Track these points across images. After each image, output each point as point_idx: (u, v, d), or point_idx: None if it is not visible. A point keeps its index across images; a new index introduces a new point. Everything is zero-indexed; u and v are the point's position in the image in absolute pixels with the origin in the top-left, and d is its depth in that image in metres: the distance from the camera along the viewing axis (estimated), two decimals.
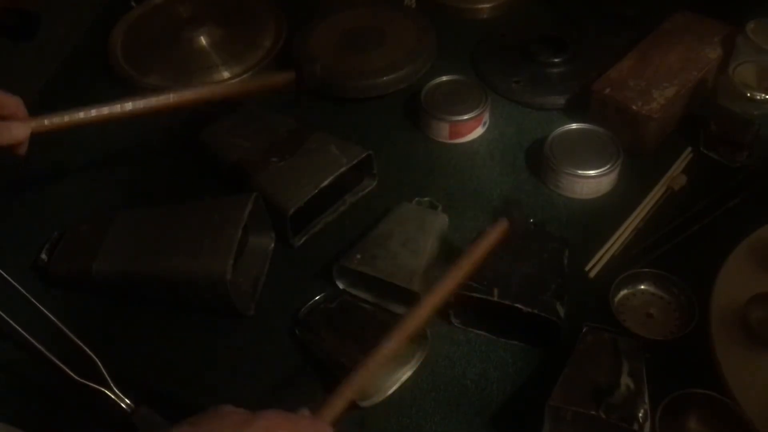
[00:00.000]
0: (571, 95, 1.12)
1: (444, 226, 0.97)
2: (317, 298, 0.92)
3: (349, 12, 1.25)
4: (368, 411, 0.83)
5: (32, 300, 0.86)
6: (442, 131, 1.09)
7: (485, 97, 1.09)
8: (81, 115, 0.86)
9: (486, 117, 1.10)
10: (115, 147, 1.13)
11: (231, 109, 1.10)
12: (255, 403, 0.84)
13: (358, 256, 0.91)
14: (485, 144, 1.10)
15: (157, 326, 0.92)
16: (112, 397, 0.81)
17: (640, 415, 0.73)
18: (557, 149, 1.02)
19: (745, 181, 0.99)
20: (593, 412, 0.73)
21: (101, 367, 0.82)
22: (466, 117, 1.07)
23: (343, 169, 0.97)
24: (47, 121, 0.84)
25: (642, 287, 0.91)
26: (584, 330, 0.84)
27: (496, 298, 0.85)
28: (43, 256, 0.96)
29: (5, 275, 0.88)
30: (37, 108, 0.86)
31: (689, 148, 1.05)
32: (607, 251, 0.95)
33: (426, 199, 1.00)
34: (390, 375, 0.85)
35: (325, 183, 0.96)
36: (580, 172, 0.99)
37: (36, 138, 0.84)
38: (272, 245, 0.98)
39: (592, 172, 0.99)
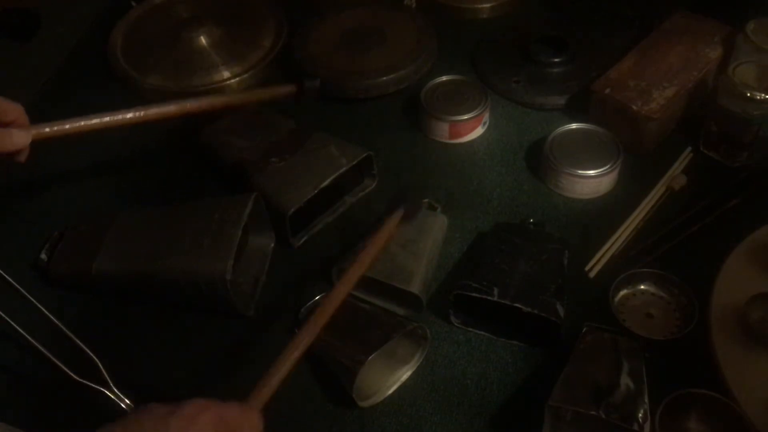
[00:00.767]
0: (571, 95, 1.12)
1: (443, 227, 0.97)
2: (317, 298, 0.92)
3: (349, 12, 1.25)
4: (368, 411, 0.83)
5: (32, 300, 0.86)
6: (442, 131, 1.09)
7: (485, 97, 1.09)
8: (82, 123, 0.86)
9: (486, 117, 1.10)
10: (116, 147, 1.13)
11: (231, 109, 1.10)
12: None
13: None
14: (485, 144, 1.10)
15: (157, 326, 0.93)
16: (112, 397, 0.81)
17: (640, 415, 0.73)
18: (557, 149, 1.02)
19: (745, 181, 0.99)
20: (593, 412, 0.73)
21: (101, 367, 0.82)
22: (466, 117, 1.07)
23: (343, 170, 0.97)
24: (48, 129, 0.84)
25: (642, 287, 0.91)
26: (584, 330, 0.84)
27: (495, 298, 0.85)
28: (43, 256, 0.96)
29: (5, 275, 0.88)
30: (37, 108, 0.86)
31: (689, 148, 1.05)
32: (607, 251, 0.95)
33: (425, 200, 1.00)
34: (390, 375, 0.85)
35: (325, 183, 0.96)
36: (580, 172, 0.99)
37: (36, 141, 0.84)
38: (272, 245, 0.98)
39: (592, 172, 0.99)
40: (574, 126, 1.04)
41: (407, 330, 0.84)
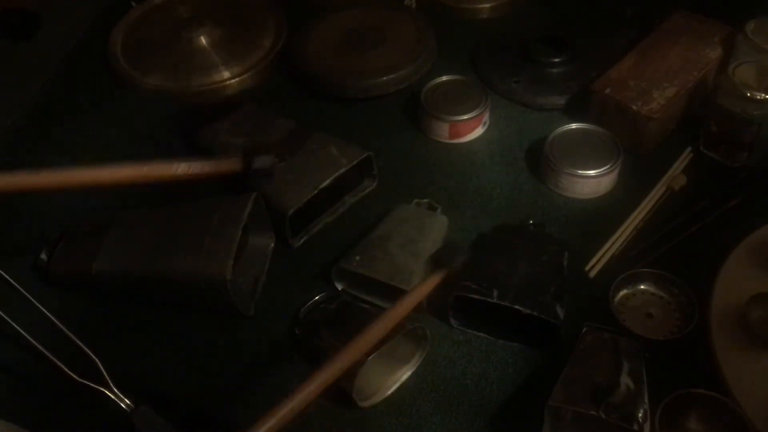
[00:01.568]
0: (571, 95, 1.12)
1: (443, 227, 0.97)
2: (317, 298, 0.92)
3: (349, 12, 1.25)
4: (368, 411, 0.83)
5: (32, 300, 0.86)
6: (442, 131, 1.09)
7: (485, 97, 1.09)
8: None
9: (486, 117, 1.10)
10: (115, 147, 1.13)
11: (231, 109, 1.10)
12: (254, 403, 0.85)
13: (357, 258, 0.91)
14: (485, 144, 1.10)
15: (157, 326, 0.93)
16: (112, 397, 0.81)
17: (640, 415, 0.73)
18: (557, 149, 1.02)
19: (745, 181, 0.99)
20: (593, 412, 0.73)
21: (101, 367, 0.82)
22: (466, 117, 1.07)
23: (343, 170, 0.97)
24: None
25: (642, 287, 0.91)
26: (584, 330, 0.84)
27: (495, 300, 0.85)
28: (43, 256, 0.96)
29: (5, 275, 0.88)
30: (37, 108, 0.86)
31: (689, 148, 1.05)
32: (607, 251, 0.95)
33: (425, 200, 1.00)
34: (390, 375, 0.85)
35: (325, 184, 0.96)
36: (580, 172, 0.99)
37: (36, 139, 0.84)
38: (272, 245, 0.98)
39: (592, 172, 0.99)
40: (574, 126, 1.04)
41: (407, 330, 0.84)
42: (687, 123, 1.07)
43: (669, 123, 1.06)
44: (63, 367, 0.82)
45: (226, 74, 1.21)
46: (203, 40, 1.25)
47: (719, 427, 0.77)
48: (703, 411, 0.78)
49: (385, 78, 1.14)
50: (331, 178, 0.96)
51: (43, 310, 0.85)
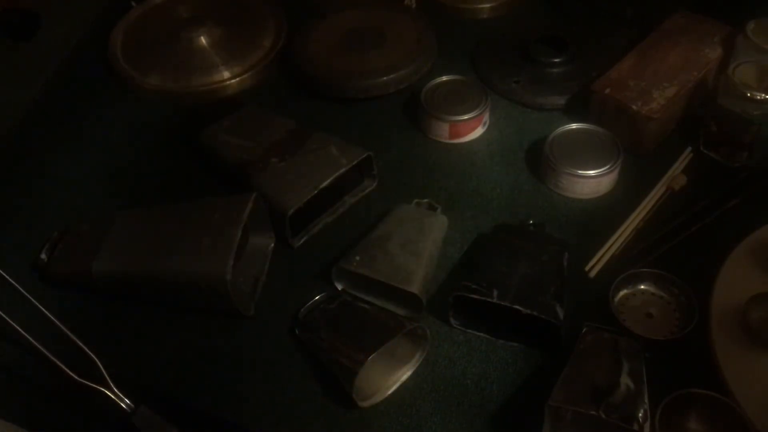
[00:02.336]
0: (571, 95, 1.12)
1: (443, 227, 0.97)
2: (317, 298, 0.92)
3: (349, 12, 1.25)
4: (368, 411, 0.83)
5: (32, 300, 0.86)
6: (442, 131, 1.09)
7: (485, 97, 1.09)
8: None
9: (486, 117, 1.10)
10: (115, 147, 1.13)
11: (231, 109, 1.10)
12: (254, 403, 0.85)
13: (357, 258, 0.91)
14: (485, 144, 1.10)
15: (157, 326, 0.92)
16: (112, 397, 0.81)
17: (640, 415, 0.73)
18: (557, 149, 1.02)
19: (745, 181, 0.99)
20: (593, 412, 0.73)
21: (101, 367, 0.82)
22: (466, 117, 1.07)
23: (343, 170, 0.98)
24: None
25: (642, 287, 0.91)
26: (584, 330, 0.84)
27: (495, 300, 0.85)
28: (43, 256, 0.96)
29: (5, 275, 0.89)
30: (37, 108, 0.86)
31: (689, 148, 1.05)
32: (607, 251, 0.95)
33: (425, 200, 1.00)
34: (390, 375, 0.85)
35: (325, 184, 0.96)
36: (580, 172, 0.99)
37: (36, 138, 0.84)
38: (272, 245, 0.98)
39: (592, 172, 0.99)
40: (574, 126, 1.04)
41: (407, 330, 0.84)
42: (687, 123, 1.07)
43: (669, 123, 1.06)
44: (63, 367, 0.82)
45: (226, 74, 1.21)
46: (203, 40, 1.25)
47: (719, 427, 0.77)
48: (703, 411, 0.78)
49: (385, 78, 1.14)
50: (331, 178, 0.96)
51: (43, 310, 0.85)
